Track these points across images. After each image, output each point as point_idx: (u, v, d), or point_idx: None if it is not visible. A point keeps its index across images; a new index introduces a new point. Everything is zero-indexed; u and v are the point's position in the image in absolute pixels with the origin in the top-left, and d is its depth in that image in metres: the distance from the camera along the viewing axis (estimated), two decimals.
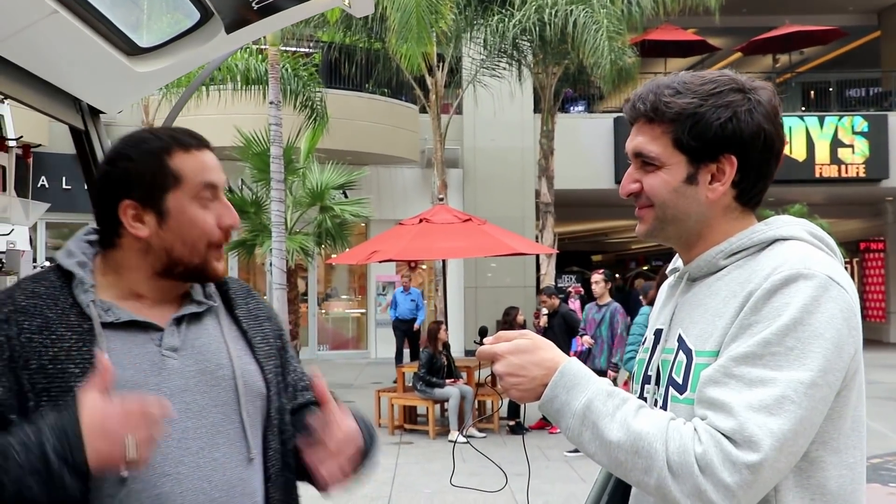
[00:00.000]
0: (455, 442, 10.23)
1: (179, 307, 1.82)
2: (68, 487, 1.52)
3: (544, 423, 10.69)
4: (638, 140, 1.70)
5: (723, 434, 1.45)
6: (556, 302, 11.27)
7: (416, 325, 16.40)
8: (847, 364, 1.51)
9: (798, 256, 1.56)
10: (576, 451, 9.33)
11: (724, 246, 1.65)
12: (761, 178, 1.67)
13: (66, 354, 1.65)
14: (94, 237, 1.84)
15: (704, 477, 1.44)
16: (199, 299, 1.85)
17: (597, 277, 10.36)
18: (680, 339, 1.65)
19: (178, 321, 1.79)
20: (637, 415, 1.52)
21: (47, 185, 16.32)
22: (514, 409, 11.18)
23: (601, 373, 9.34)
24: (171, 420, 1.67)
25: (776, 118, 1.65)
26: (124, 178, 1.76)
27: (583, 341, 10.27)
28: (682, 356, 1.64)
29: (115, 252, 1.80)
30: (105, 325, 1.69)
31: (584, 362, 10.13)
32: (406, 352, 16.50)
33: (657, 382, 1.71)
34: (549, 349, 1.65)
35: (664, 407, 1.66)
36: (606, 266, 35.45)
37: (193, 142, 1.80)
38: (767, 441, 1.42)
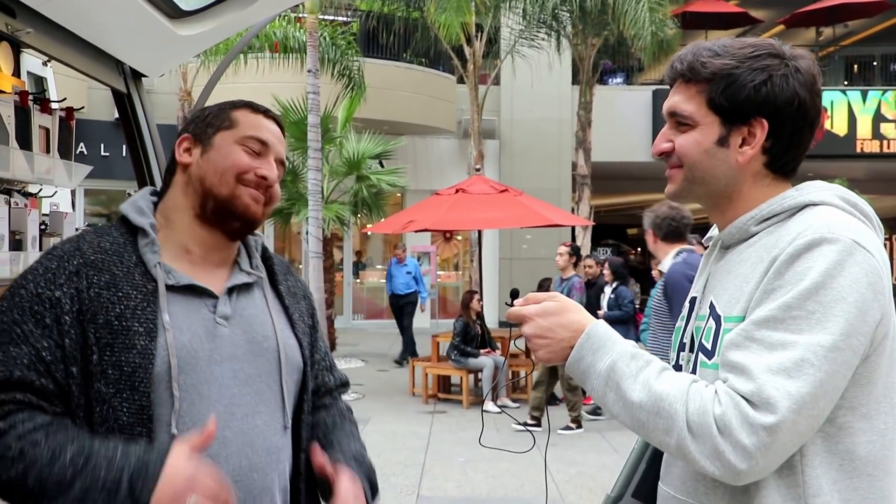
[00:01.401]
0: (488, 411, 10.28)
1: (229, 276, 1.87)
2: None
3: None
4: (674, 99, 1.71)
5: (742, 396, 1.46)
6: (598, 272, 11.16)
7: (419, 303, 15.11)
8: (872, 329, 1.50)
9: (823, 221, 1.55)
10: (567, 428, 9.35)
11: (755, 212, 1.65)
12: (793, 145, 1.66)
13: (131, 313, 1.69)
14: (155, 198, 1.90)
15: (723, 438, 1.45)
16: (248, 270, 1.91)
17: (562, 249, 10.05)
18: (711, 306, 1.66)
19: (230, 291, 1.84)
20: (659, 377, 1.55)
21: (86, 152, 16.48)
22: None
23: None
24: (221, 385, 1.75)
25: (814, 87, 1.64)
26: (191, 119, 1.91)
27: None
28: (711, 322, 1.65)
29: (167, 196, 1.88)
30: (166, 288, 1.74)
31: None
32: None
33: (691, 349, 1.72)
34: (576, 311, 1.68)
35: (694, 373, 1.66)
36: (642, 240, 35.27)
37: (263, 110, 1.90)
38: (785, 403, 1.43)
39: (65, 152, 3.19)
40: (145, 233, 1.79)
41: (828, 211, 1.59)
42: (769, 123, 1.62)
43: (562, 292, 9.21)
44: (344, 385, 2.16)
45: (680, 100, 1.69)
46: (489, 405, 10.47)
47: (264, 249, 2.01)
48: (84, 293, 1.68)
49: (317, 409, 2.02)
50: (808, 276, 1.48)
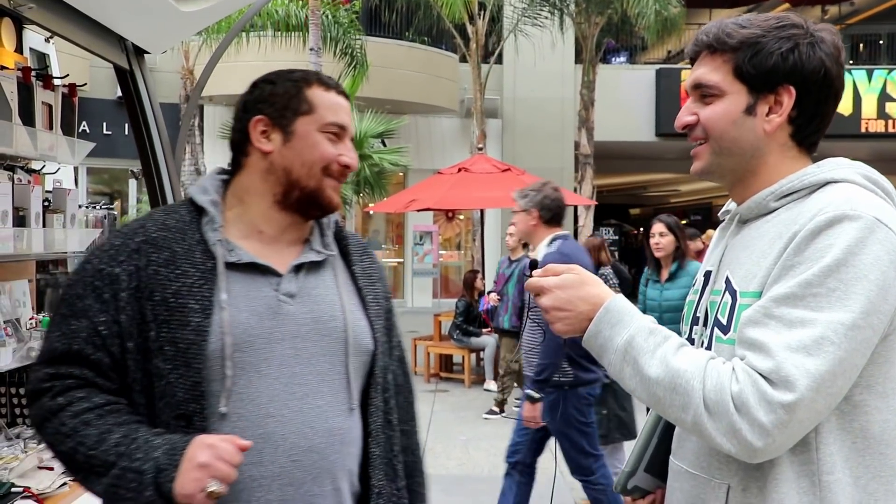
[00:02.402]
0: (489, 390, 10.31)
1: (299, 254, 1.86)
2: (149, 499, 1.61)
3: None
4: (699, 71, 1.69)
5: (760, 374, 1.45)
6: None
7: None
8: (893, 308, 1.49)
9: (844, 197, 1.54)
10: (491, 413, 9.23)
11: (775, 188, 1.64)
12: (818, 116, 1.65)
13: (187, 290, 1.72)
14: (224, 176, 1.90)
15: (740, 415, 1.45)
16: (319, 248, 1.89)
17: (511, 229, 9.35)
18: (727, 281, 1.65)
19: (298, 268, 1.84)
20: (677, 353, 1.54)
21: (88, 131, 16.45)
22: None
23: (505, 333, 8.99)
24: (281, 363, 1.75)
25: (838, 59, 1.64)
26: (261, 97, 1.85)
27: (489, 299, 9.40)
28: (727, 297, 1.64)
29: (241, 176, 1.86)
30: (227, 266, 1.75)
31: (491, 320, 9.47)
32: None
33: (704, 324, 1.71)
34: (595, 284, 1.67)
35: (709, 347, 1.66)
36: (644, 220, 35.21)
37: (333, 84, 1.88)
38: (804, 381, 1.42)
39: (67, 129, 3.19)
40: (206, 211, 1.81)
41: (849, 188, 1.58)
42: (796, 91, 1.61)
43: (511, 275, 9.03)
44: (409, 382, 2.12)
45: (705, 71, 1.67)
46: (489, 383, 10.51)
47: (340, 229, 1.99)
48: (142, 270, 1.72)
49: (401, 434, 2.00)
50: (830, 252, 1.47)
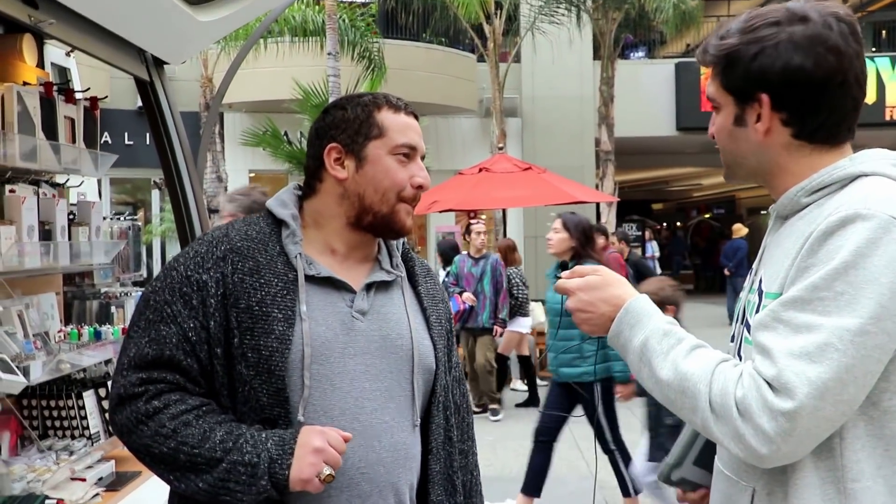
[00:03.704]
0: (515, 389, 10.30)
1: (370, 273, 1.91)
2: (263, 489, 1.68)
3: None
4: (707, 83, 1.71)
5: (765, 380, 1.43)
6: (626, 248, 11.07)
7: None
8: None
9: (862, 195, 1.49)
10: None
11: (805, 183, 1.60)
12: (810, 112, 1.58)
13: (271, 299, 1.77)
14: (299, 192, 1.96)
15: (743, 421, 1.44)
16: (388, 269, 1.94)
17: (479, 227, 9.57)
18: (760, 280, 1.64)
19: (369, 287, 1.88)
20: (688, 356, 1.54)
21: (110, 141, 16.56)
22: None
23: (482, 331, 9.08)
24: (353, 378, 1.81)
25: (815, 47, 1.55)
26: (334, 123, 1.89)
27: (463, 299, 9.20)
28: (755, 297, 1.63)
29: (316, 199, 1.91)
30: (306, 278, 1.81)
31: (466, 321, 9.49)
32: None
33: (742, 322, 1.70)
34: (619, 286, 1.68)
35: (740, 346, 1.66)
36: (667, 215, 35.02)
37: (402, 104, 1.92)
38: (804, 389, 1.39)
39: (90, 142, 3.21)
40: (287, 224, 1.86)
41: (876, 182, 1.53)
42: (769, 96, 1.58)
43: (482, 272, 9.09)
44: (468, 401, 2.16)
45: (708, 84, 1.70)
46: (517, 383, 10.49)
47: (406, 250, 2.04)
48: (229, 278, 1.78)
49: (458, 453, 2.04)
50: (839, 254, 1.43)
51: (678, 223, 32.54)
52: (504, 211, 14.34)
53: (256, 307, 1.76)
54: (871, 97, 20.48)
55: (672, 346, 1.56)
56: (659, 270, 21.90)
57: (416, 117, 1.95)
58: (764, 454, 1.43)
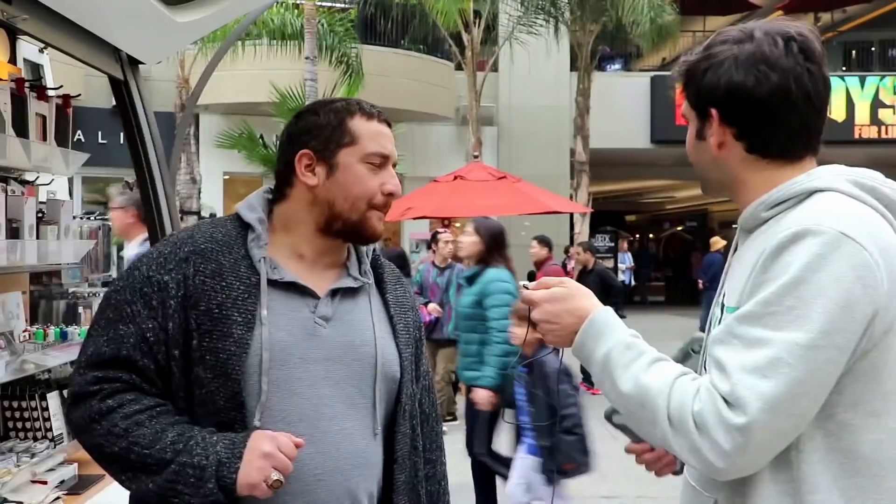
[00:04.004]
0: None
1: (337, 279, 1.90)
2: (210, 493, 1.67)
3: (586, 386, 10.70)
4: None
5: (720, 395, 1.45)
6: (591, 258, 11.06)
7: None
8: (863, 324, 1.45)
9: (813, 211, 1.51)
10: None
11: (765, 198, 1.62)
12: (758, 126, 1.61)
13: (231, 302, 1.77)
14: (270, 196, 1.94)
15: (700, 435, 1.45)
16: (356, 275, 1.93)
17: (447, 237, 9.21)
18: (724, 294, 1.66)
19: (334, 293, 1.87)
20: (649, 369, 1.55)
21: (83, 140, 16.43)
22: None
23: (446, 343, 8.75)
24: (313, 384, 1.79)
25: (758, 66, 1.57)
26: (306, 129, 1.88)
27: (429, 310, 8.82)
28: (719, 311, 1.66)
29: (286, 204, 1.90)
30: (269, 283, 1.80)
31: (431, 333, 9.34)
32: None
33: (707, 334, 1.71)
34: (583, 297, 1.69)
35: (706, 360, 1.66)
36: (640, 226, 35.24)
37: (375, 112, 1.91)
38: (756, 404, 1.41)
39: (62, 140, 3.17)
40: (253, 228, 1.85)
41: (828, 198, 1.55)
42: (718, 111, 1.62)
43: (448, 282, 8.89)
44: (436, 410, 2.16)
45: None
46: None
47: (376, 257, 2.03)
48: (190, 279, 1.77)
49: (426, 463, 2.04)
50: (789, 270, 1.45)
51: (651, 235, 32.73)
52: None
53: (216, 310, 1.75)
54: (840, 115, 20.76)
55: (633, 359, 1.57)
56: (633, 282, 22.03)
57: (390, 125, 1.94)
58: (720, 468, 1.45)
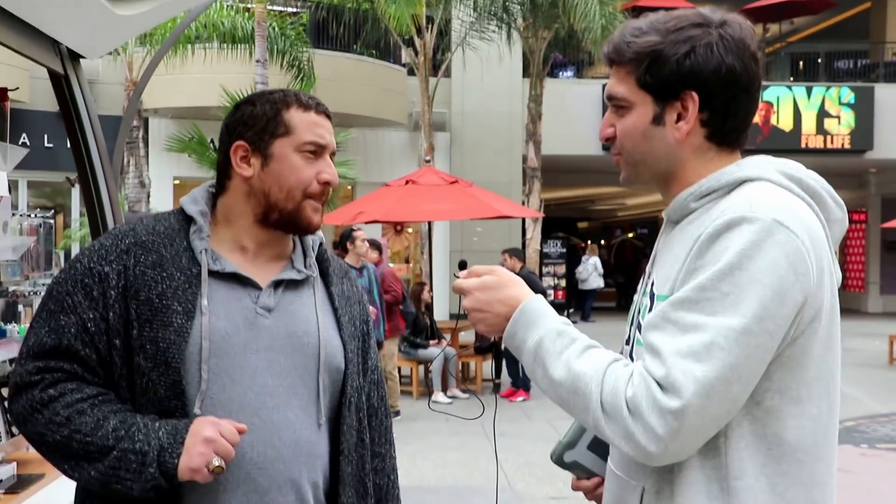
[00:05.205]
0: (437, 402, 10.30)
1: (281, 271, 1.91)
2: (151, 477, 1.68)
3: (513, 391, 10.77)
4: (609, 83, 1.69)
5: (654, 379, 1.45)
6: (518, 263, 11.08)
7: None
8: (794, 311, 1.47)
9: (747, 199, 1.52)
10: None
11: (695, 188, 1.63)
12: (731, 114, 1.62)
13: (172, 292, 1.78)
14: (213, 190, 1.96)
15: (633, 420, 1.45)
16: (300, 268, 1.94)
17: (362, 235, 8.93)
18: (652, 283, 1.66)
19: (277, 284, 1.89)
20: (581, 356, 1.55)
21: (28, 143, 16.15)
22: (497, 370, 11.27)
23: (379, 345, 8.66)
24: (254, 373, 1.81)
25: (744, 52, 1.59)
26: (242, 120, 1.90)
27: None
28: (647, 300, 1.66)
29: (226, 197, 1.92)
30: (210, 274, 1.81)
31: None
32: None
33: (634, 325, 1.71)
34: (514, 286, 1.68)
35: (633, 349, 1.68)
36: (592, 233, 35.49)
37: (313, 103, 1.91)
38: (690, 388, 1.42)
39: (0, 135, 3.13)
40: (195, 220, 1.86)
41: (760, 187, 1.56)
42: (699, 95, 1.59)
43: (369, 284, 8.82)
44: (385, 405, 2.16)
45: (614, 83, 1.67)
46: (438, 395, 10.50)
47: (323, 252, 2.04)
48: (130, 270, 1.79)
49: (372, 455, 2.05)
50: (724, 256, 1.46)
51: (602, 241, 32.98)
52: (430, 225, 14.36)
53: (157, 300, 1.77)
54: (787, 125, 21.15)
55: (565, 347, 1.57)
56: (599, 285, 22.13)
57: (329, 116, 1.94)
58: (653, 452, 1.45)
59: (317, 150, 1.89)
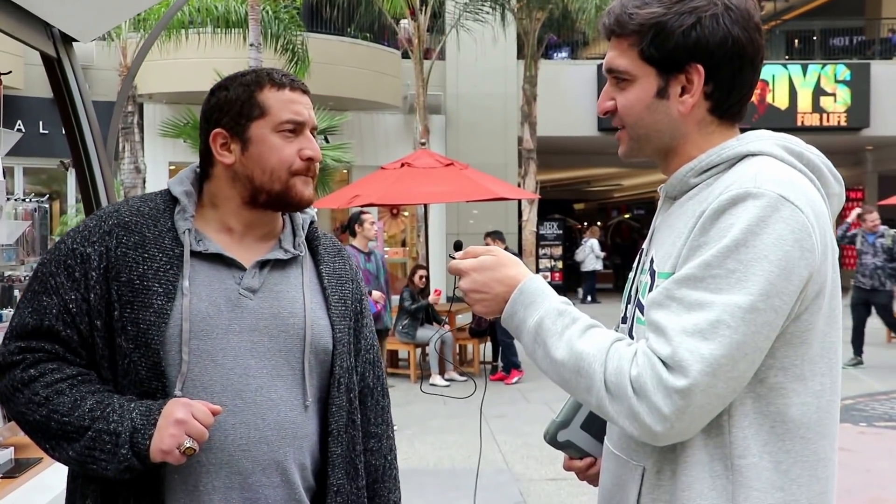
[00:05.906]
0: (435, 385, 10.33)
1: (268, 251, 1.90)
2: (124, 458, 1.68)
3: (503, 375, 10.79)
4: (610, 55, 1.65)
5: (659, 358, 1.43)
6: (501, 246, 11.09)
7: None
8: (799, 288, 1.45)
9: (751, 174, 1.50)
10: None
11: (695, 163, 1.60)
12: (735, 87, 1.59)
13: (153, 273, 1.78)
14: (199, 171, 1.94)
15: (638, 400, 1.43)
16: (288, 248, 1.92)
17: (371, 218, 8.86)
18: (651, 261, 1.63)
19: (263, 265, 1.87)
20: (583, 335, 1.52)
21: (24, 130, 16.09)
22: (495, 352, 11.30)
23: (386, 332, 8.86)
24: (237, 355, 1.80)
25: (749, 23, 1.57)
26: (218, 106, 1.87)
27: (375, 299, 8.31)
28: (647, 277, 1.62)
29: (211, 183, 1.90)
30: (193, 255, 1.81)
31: (375, 323, 9.44)
32: None
33: (632, 303, 1.69)
34: (512, 266, 1.65)
35: (632, 327, 1.65)
36: (588, 214, 35.49)
37: (287, 80, 1.88)
38: (697, 366, 1.39)
39: None
40: (180, 201, 1.85)
41: (763, 162, 1.53)
42: (705, 67, 1.56)
43: (377, 268, 8.75)
44: (383, 384, 2.13)
45: (614, 55, 1.63)
46: (436, 378, 10.52)
47: (314, 230, 2.01)
48: (112, 251, 1.79)
49: (367, 435, 2.04)
50: (730, 233, 1.43)
51: (599, 223, 32.99)
52: (426, 207, 14.35)
53: (137, 281, 1.77)
54: (783, 103, 21.11)
55: (567, 326, 1.54)
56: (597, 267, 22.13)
57: (305, 91, 1.91)
58: (658, 432, 1.43)
59: (296, 128, 1.86)
